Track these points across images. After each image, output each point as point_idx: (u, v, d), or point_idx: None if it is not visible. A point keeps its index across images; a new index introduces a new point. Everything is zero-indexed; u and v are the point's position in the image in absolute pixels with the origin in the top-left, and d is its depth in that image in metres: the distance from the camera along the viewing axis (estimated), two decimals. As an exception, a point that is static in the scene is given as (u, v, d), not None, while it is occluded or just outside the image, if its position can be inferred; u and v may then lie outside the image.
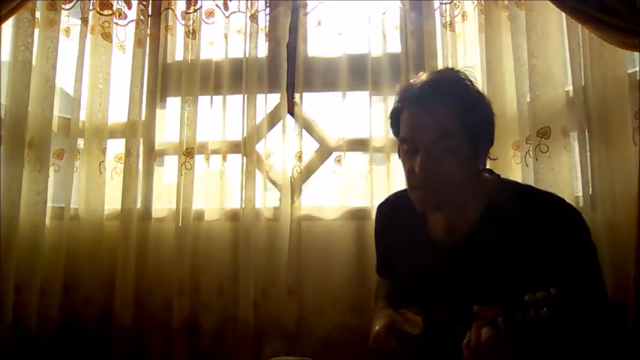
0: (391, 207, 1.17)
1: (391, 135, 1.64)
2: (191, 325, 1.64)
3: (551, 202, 0.94)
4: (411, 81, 0.97)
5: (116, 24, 1.82)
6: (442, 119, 0.90)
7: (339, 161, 1.72)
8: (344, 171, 1.70)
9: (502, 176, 1.06)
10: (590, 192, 1.30)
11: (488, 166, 1.05)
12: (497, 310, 0.78)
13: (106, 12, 1.79)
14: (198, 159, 1.71)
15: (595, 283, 0.89)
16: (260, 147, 1.73)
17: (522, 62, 1.43)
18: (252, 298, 1.61)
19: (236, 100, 1.73)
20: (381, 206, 1.20)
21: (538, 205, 0.93)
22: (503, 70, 1.52)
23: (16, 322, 1.56)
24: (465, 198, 0.97)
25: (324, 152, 1.77)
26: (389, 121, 1.03)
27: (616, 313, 1.15)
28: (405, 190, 1.17)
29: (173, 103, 1.82)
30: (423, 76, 0.96)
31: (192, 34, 1.75)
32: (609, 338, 0.88)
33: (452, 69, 1.01)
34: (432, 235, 1.05)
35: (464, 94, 0.93)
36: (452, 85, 0.94)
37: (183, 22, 1.79)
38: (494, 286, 0.89)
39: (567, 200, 0.97)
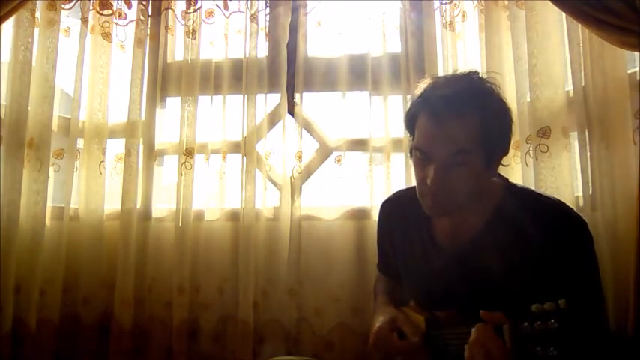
0: (396, 205, 1.16)
1: (391, 135, 1.67)
2: (191, 325, 1.64)
3: (557, 211, 0.92)
4: (433, 84, 0.93)
5: (116, 24, 1.82)
6: (462, 135, 0.87)
7: (339, 161, 1.72)
8: (344, 171, 1.70)
9: (506, 178, 1.04)
10: (590, 192, 1.30)
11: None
12: (503, 316, 0.77)
13: (106, 12, 1.79)
14: (198, 159, 1.71)
15: (594, 295, 0.88)
16: (260, 147, 1.73)
17: (522, 62, 1.43)
18: (252, 298, 1.61)
19: (236, 100, 1.73)
20: (385, 204, 1.19)
21: (543, 213, 0.91)
22: (504, 70, 1.52)
23: (16, 322, 1.56)
24: (474, 203, 0.96)
25: (324, 152, 1.77)
26: (403, 118, 1.00)
27: (615, 320, 1.15)
28: (409, 189, 1.16)
29: (173, 103, 1.82)
30: (447, 85, 0.91)
31: (192, 34, 1.75)
32: (609, 350, 0.88)
33: (477, 75, 0.93)
34: (437, 236, 1.04)
35: (487, 108, 0.90)
36: (476, 99, 0.89)
37: (183, 22, 1.79)
38: (497, 290, 0.89)
39: (568, 202, 0.98)
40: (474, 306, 0.80)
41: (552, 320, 0.70)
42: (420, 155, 0.93)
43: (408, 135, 1.01)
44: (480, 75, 0.94)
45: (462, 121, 0.88)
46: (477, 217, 0.97)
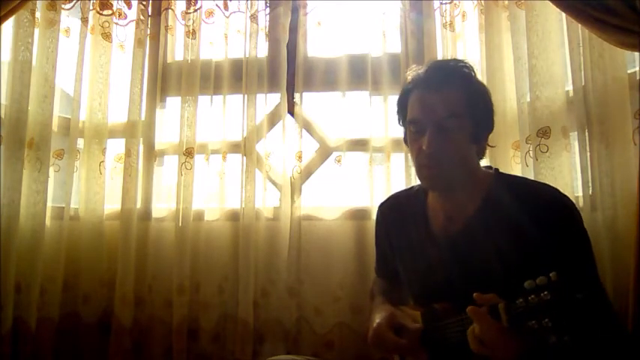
0: (392, 205, 1.20)
1: (391, 135, 1.67)
2: (191, 324, 1.64)
3: (544, 194, 0.95)
4: (418, 68, 1.02)
5: (116, 24, 1.82)
6: (449, 99, 0.95)
7: (339, 161, 1.72)
8: (344, 171, 1.70)
9: (496, 168, 1.07)
10: (590, 192, 1.30)
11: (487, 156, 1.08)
12: (496, 296, 0.78)
13: (106, 12, 1.79)
14: (198, 159, 1.71)
15: (589, 272, 0.89)
16: (260, 147, 1.73)
17: (522, 62, 1.43)
18: (252, 298, 1.61)
19: (236, 100, 1.73)
20: (381, 206, 1.23)
21: (531, 196, 0.94)
22: (504, 70, 1.52)
23: (17, 320, 1.56)
24: (467, 183, 1.00)
25: (324, 152, 1.77)
26: (396, 109, 1.06)
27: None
28: (405, 189, 1.20)
29: (173, 103, 1.82)
30: (432, 63, 1.02)
31: (192, 34, 1.75)
32: (612, 324, 0.88)
33: (456, 58, 1.07)
34: (433, 228, 1.06)
35: (469, 78, 0.99)
36: (458, 70, 0.99)
37: (183, 22, 1.79)
38: (492, 275, 0.91)
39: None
40: (471, 295, 0.81)
41: (545, 292, 0.70)
42: (414, 128, 0.99)
43: (400, 123, 1.07)
44: (461, 59, 1.03)
45: (449, 86, 0.96)
46: (469, 203, 1.00)
